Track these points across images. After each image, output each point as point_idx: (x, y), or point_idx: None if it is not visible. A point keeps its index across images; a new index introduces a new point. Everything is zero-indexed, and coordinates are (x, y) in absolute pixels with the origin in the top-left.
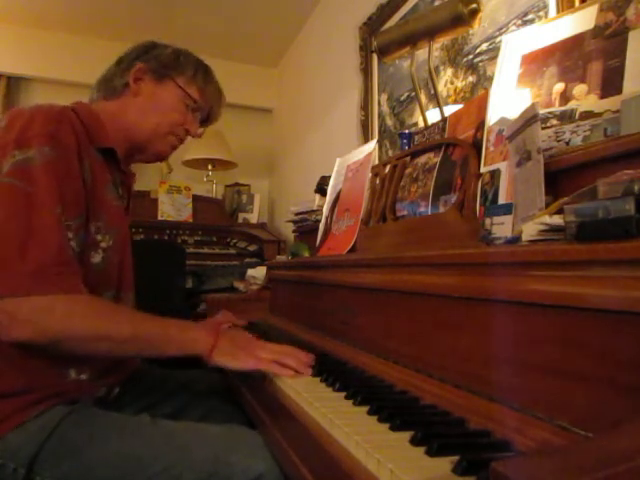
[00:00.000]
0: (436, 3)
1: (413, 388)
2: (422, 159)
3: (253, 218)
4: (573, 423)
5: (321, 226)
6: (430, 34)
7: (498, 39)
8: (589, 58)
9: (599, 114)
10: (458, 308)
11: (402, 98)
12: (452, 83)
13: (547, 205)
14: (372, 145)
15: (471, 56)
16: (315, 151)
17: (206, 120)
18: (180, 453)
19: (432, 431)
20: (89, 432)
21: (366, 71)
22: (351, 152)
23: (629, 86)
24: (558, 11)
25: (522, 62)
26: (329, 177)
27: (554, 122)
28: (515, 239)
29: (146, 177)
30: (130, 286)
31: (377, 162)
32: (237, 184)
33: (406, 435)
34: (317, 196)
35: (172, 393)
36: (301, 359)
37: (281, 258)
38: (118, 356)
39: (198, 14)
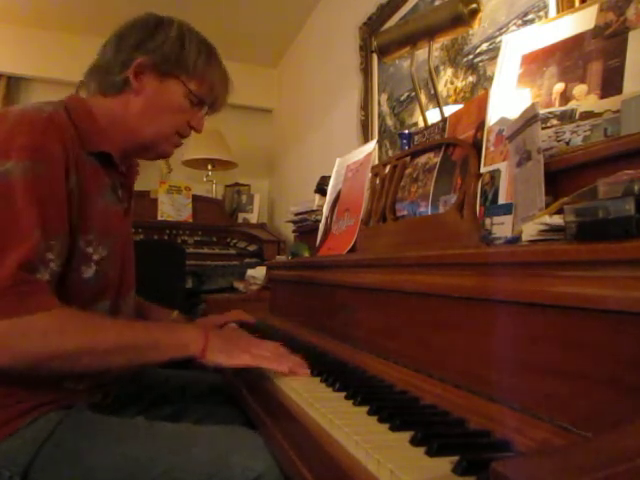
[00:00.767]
0: (436, 3)
1: (413, 388)
2: (422, 159)
3: (253, 218)
4: (573, 423)
5: (321, 226)
6: (430, 34)
7: (498, 39)
8: (589, 58)
9: (599, 114)
10: (458, 308)
11: (402, 98)
12: (452, 83)
13: (547, 205)
14: (372, 145)
15: (471, 56)
16: (315, 151)
17: (211, 108)
18: (180, 455)
19: (432, 431)
20: (87, 437)
21: (366, 71)
22: (351, 152)
23: (629, 86)
24: (558, 11)
25: (522, 62)
26: (329, 177)
27: (554, 122)
28: (515, 239)
29: (146, 177)
30: (131, 286)
31: (377, 162)
32: (237, 184)
33: (406, 435)
34: (317, 196)
35: (172, 395)
36: (295, 360)
37: (281, 258)
38: (107, 369)
39: (198, 14)
